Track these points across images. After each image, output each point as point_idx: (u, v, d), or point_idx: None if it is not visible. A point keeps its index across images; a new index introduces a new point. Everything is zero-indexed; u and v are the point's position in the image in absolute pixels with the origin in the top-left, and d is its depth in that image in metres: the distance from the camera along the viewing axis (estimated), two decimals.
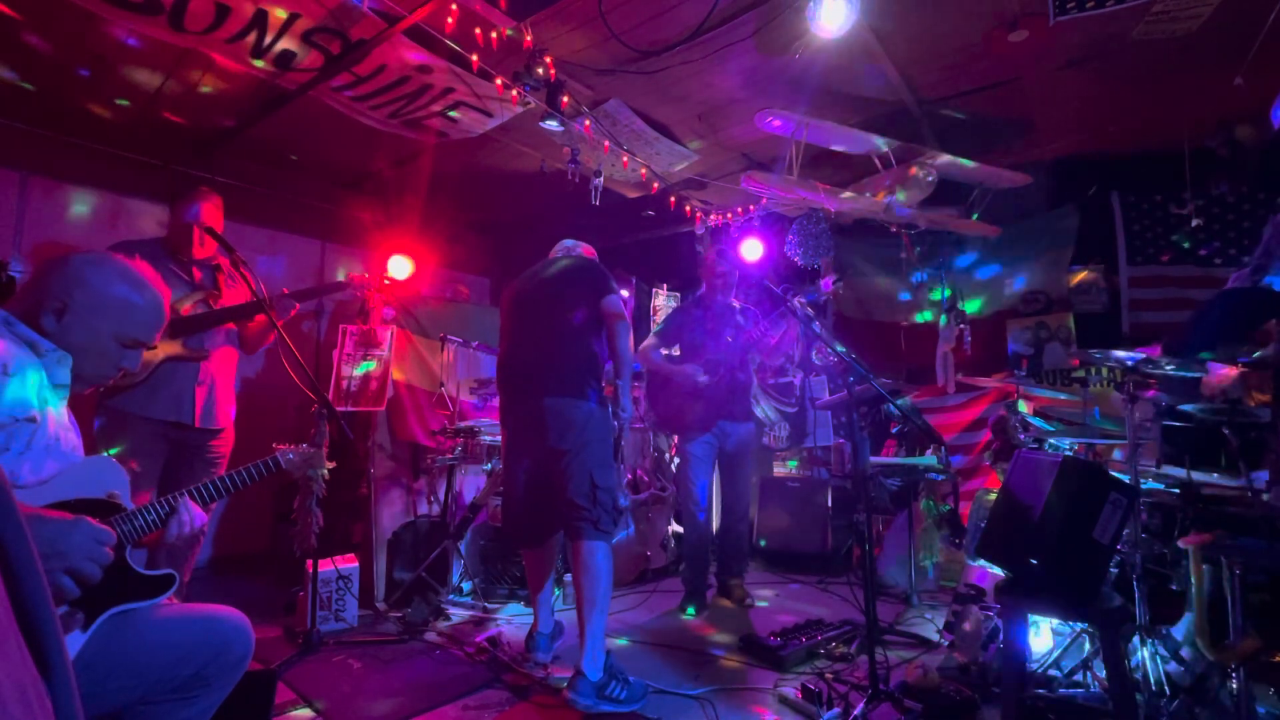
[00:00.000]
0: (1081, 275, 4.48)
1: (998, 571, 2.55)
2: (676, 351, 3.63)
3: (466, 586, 3.48)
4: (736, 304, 3.60)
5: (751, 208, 4.93)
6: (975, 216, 4.21)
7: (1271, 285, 2.26)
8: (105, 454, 1.39)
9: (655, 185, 4.24)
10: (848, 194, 3.93)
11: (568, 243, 2.91)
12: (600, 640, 2.28)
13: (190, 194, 2.58)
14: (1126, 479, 2.01)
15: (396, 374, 3.62)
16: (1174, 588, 2.13)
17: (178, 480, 2.44)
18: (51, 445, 1.22)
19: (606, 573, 2.34)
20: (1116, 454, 2.79)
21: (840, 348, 2.93)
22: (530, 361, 2.52)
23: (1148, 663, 1.97)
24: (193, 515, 1.34)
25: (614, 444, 2.59)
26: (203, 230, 2.52)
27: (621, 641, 2.89)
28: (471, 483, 3.82)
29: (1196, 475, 2.15)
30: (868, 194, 3.90)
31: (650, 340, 3.60)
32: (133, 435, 2.36)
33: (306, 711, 2.22)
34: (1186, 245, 4.09)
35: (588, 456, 2.40)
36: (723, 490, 3.62)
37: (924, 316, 5.11)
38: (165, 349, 2.42)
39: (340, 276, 5.00)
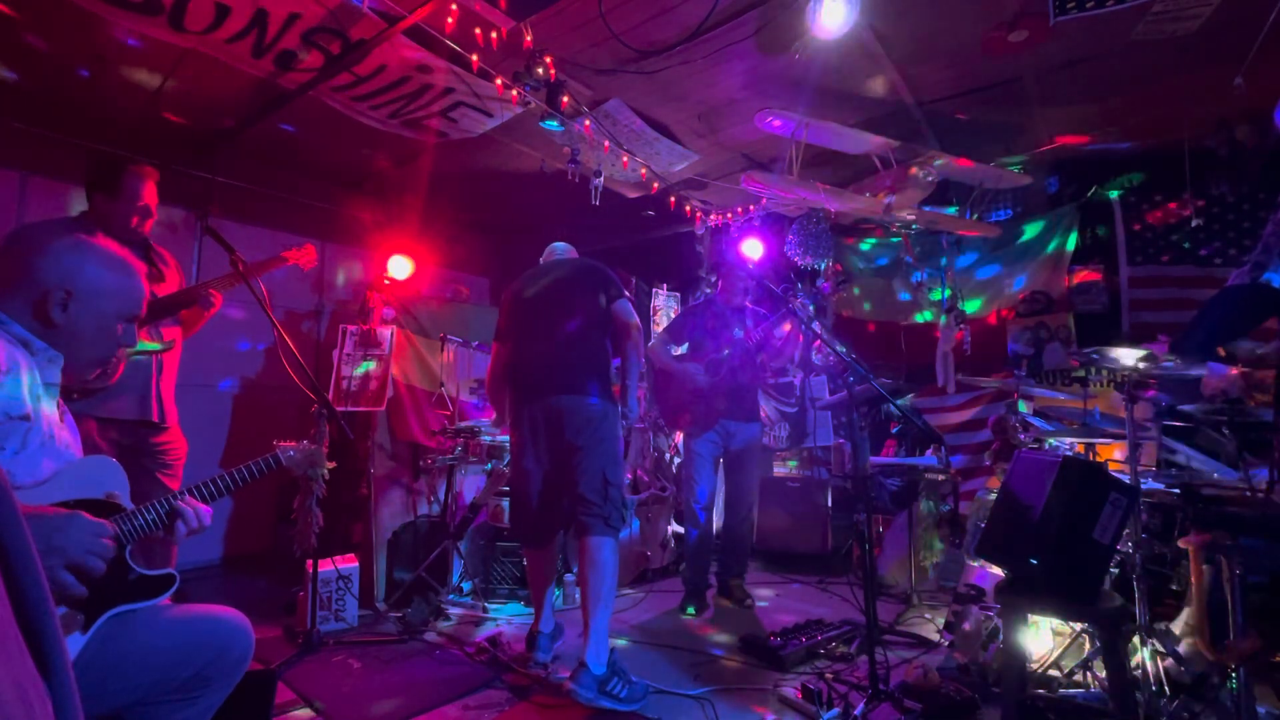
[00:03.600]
0: (1081, 275, 4.49)
1: (998, 571, 2.55)
2: (685, 349, 3.64)
3: (466, 586, 3.48)
4: (747, 305, 3.61)
5: (751, 208, 4.93)
6: (975, 216, 4.21)
7: (1270, 282, 2.26)
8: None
9: (655, 185, 4.24)
10: (848, 194, 3.93)
11: (560, 245, 2.95)
12: (604, 635, 2.29)
13: (134, 171, 2.34)
14: (1126, 479, 2.01)
15: (396, 374, 3.62)
16: (1174, 588, 2.13)
17: (135, 486, 2.29)
18: (46, 443, 1.21)
19: (613, 568, 2.37)
20: (1117, 454, 2.79)
21: (840, 348, 2.93)
22: (542, 361, 2.55)
23: (1148, 662, 1.97)
24: (199, 513, 1.34)
25: (624, 442, 2.62)
26: (207, 231, 2.45)
27: (622, 641, 2.88)
28: (471, 483, 3.82)
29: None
30: (868, 194, 3.90)
31: (660, 337, 3.67)
32: (89, 443, 2.18)
33: (306, 711, 2.22)
34: (1186, 245, 4.09)
35: (601, 453, 2.44)
36: (726, 490, 3.62)
37: (924, 316, 5.11)
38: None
39: (340, 277, 5.03)
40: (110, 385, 2.21)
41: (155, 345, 2.41)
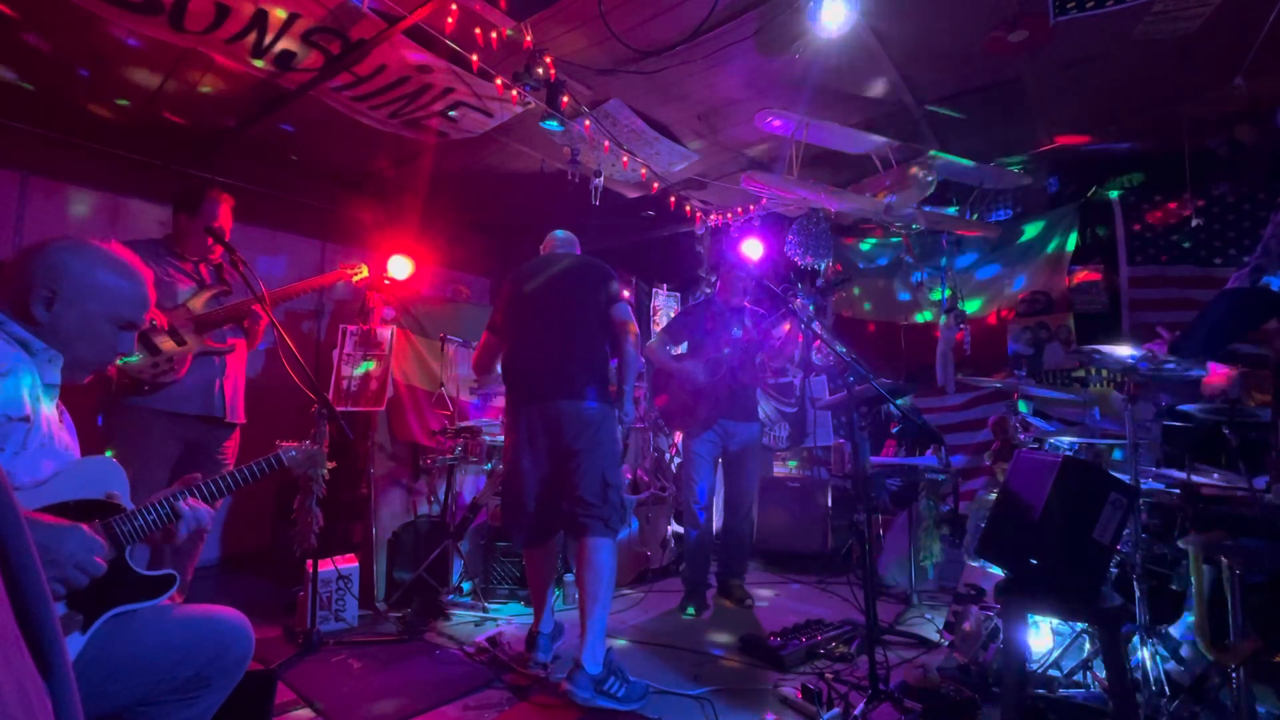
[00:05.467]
0: (1081, 275, 4.49)
1: (998, 571, 2.55)
2: (684, 349, 3.65)
3: (466, 586, 3.48)
4: (745, 305, 3.61)
5: (751, 208, 4.93)
6: (975, 216, 4.21)
7: (1270, 285, 2.26)
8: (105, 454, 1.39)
9: (655, 185, 4.24)
10: (848, 194, 3.93)
11: (560, 234, 2.89)
12: (601, 636, 2.29)
13: (212, 195, 2.58)
14: (1126, 479, 2.01)
15: (396, 374, 3.62)
16: (1174, 588, 2.13)
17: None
18: (46, 444, 1.21)
19: (610, 570, 2.37)
20: (1117, 454, 2.79)
21: (840, 348, 2.94)
22: (541, 364, 2.54)
23: (1148, 663, 1.97)
24: (199, 513, 1.33)
25: (622, 444, 2.63)
26: (208, 233, 2.53)
27: (621, 641, 2.89)
28: (471, 483, 3.82)
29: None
30: (868, 194, 3.90)
31: (659, 337, 3.67)
32: (154, 434, 2.37)
33: (306, 711, 2.22)
34: (1186, 245, 4.09)
35: (601, 455, 2.44)
36: (725, 490, 3.62)
37: (924, 316, 5.11)
38: (195, 344, 2.46)
39: None
40: (180, 381, 2.41)
41: (217, 347, 2.55)
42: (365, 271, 3.09)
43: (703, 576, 3.43)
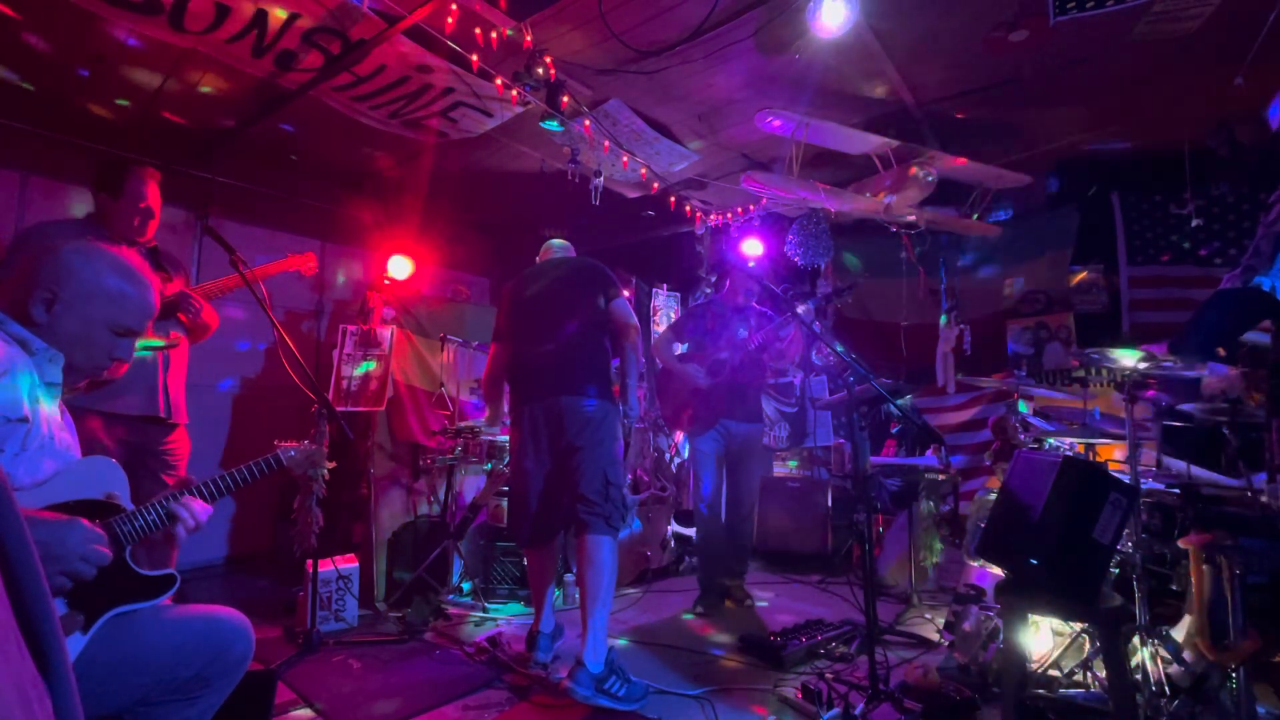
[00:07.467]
0: (1081, 275, 4.49)
1: (998, 571, 2.55)
2: (685, 349, 3.65)
3: (466, 586, 3.48)
4: (751, 305, 3.61)
5: (751, 208, 4.93)
6: (975, 216, 4.21)
7: (1261, 285, 2.27)
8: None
9: (655, 185, 4.24)
10: (848, 194, 3.93)
11: (558, 243, 2.95)
12: (602, 634, 2.30)
13: (136, 172, 2.38)
14: (1126, 479, 2.01)
15: (396, 374, 3.62)
16: (1174, 588, 2.13)
17: (138, 486, 2.30)
18: (46, 445, 1.21)
19: (611, 568, 2.38)
20: (1117, 454, 2.79)
21: (840, 348, 2.94)
22: (542, 362, 2.56)
23: (1148, 663, 1.97)
24: (194, 511, 1.33)
25: (624, 442, 2.65)
26: (207, 231, 2.46)
27: (622, 641, 2.89)
28: (471, 483, 3.82)
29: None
30: (868, 194, 3.90)
31: (664, 335, 3.70)
32: (92, 438, 2.19)
33: (306, 711, 2.22)
34: (1186, 245, 4.09)
35: (602, 454, 2.45)
36: (727, 489, 3.62)
37: (924, 317, 5.10)
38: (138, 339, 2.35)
39: (340, 277, 5.02)
40: (116, 380, 2.23)
41: (159, 342, 2.40)
42: (313, 261, 2.92)
43: (715, 573, 3.43)
